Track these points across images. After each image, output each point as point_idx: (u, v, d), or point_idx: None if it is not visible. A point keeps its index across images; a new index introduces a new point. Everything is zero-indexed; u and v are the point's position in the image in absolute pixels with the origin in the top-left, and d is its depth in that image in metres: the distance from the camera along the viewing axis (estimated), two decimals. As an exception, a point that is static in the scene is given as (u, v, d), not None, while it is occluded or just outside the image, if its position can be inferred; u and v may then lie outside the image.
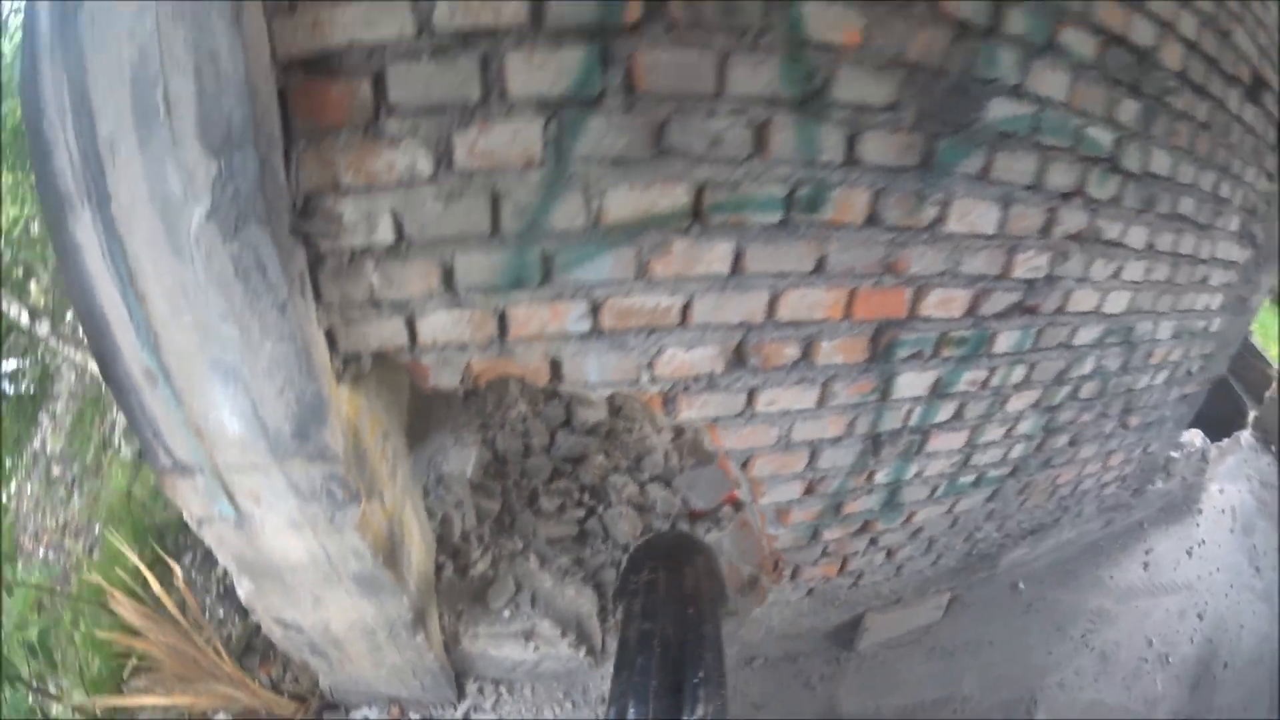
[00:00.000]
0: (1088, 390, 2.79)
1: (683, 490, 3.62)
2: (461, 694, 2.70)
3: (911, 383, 2.13)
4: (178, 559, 3.02)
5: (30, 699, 2.55)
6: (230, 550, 1.81)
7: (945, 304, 1.98)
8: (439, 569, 2.69)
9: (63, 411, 4.37)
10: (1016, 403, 2.50)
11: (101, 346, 1.39)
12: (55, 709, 2.56)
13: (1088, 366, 2.66)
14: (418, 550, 2.27)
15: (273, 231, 1.25)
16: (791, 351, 1.86)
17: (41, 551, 3.66)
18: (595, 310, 1.61)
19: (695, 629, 1.71)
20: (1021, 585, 3.96)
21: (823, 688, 3.23)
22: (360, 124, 1.32)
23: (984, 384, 2.31)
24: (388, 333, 1.54)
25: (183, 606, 2.46)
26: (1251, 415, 5.92)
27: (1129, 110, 2.05)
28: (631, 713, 1.51)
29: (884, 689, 3.32)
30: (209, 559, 3.10)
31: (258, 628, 2.69)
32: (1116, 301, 2.50)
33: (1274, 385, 5.83)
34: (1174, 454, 4.45)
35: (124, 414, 1.51)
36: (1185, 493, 4.86)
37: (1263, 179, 3.01)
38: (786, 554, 2.55)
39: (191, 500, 1.65)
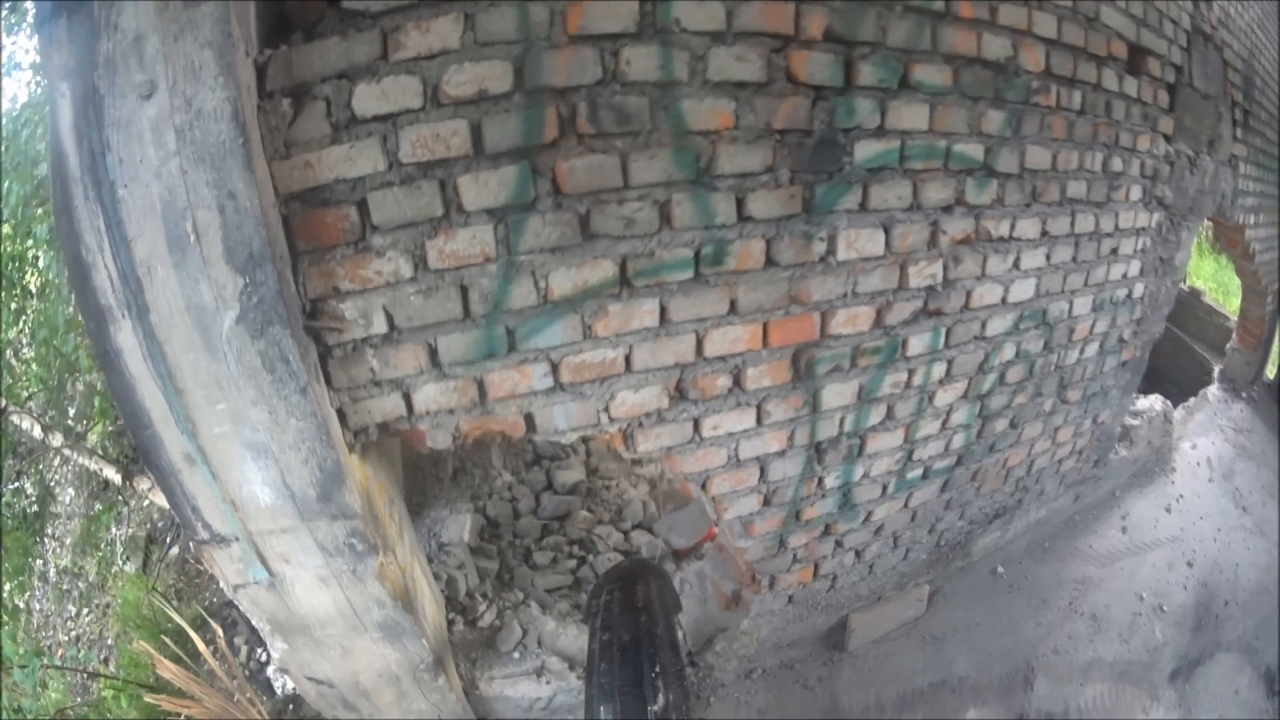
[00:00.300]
0: (1014, 375, 3.08)
1: (664, 533, 4.03)
2: (487, 741, 2.98)
3: (838, 393, 2.54)
4: (198, 653, 3.29)
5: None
6: (264, 612, 2.16)
7: (852, 321, 2.42)
8: (450, 624, 3.03)
9: (63, 531, 4.64)
10: (945, 396, 2.87)
11: (144, 437, 1.76)
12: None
13: (1009, 353, 2.97)
14: (430, 605, 2.62)
15: (292, 330, 1.67)
16: (724, 381, 2.29)
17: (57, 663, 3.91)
18: (555, 369, 2.06)
19: (648, 633, 2.04)
20: (1001, 569, 4.18)
21: (821, 689, 3.52)
22: (352, 241, 1.78)
23: (907, 384, 2.70)
24: (389, 406, 1.98)
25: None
26: (1216, 370, 6.26)
27: (995, 120, 2.48)
28: (603, 713, 1.84)
29: (880, 681, 3.57)
30: (231, 648, 3.40)
31: (287, 702, 3.02)
32: (1022, 290, 2.85)
33: (1234, 336, 6.16)
34: (1133, 421, 4.71)
35: (165, 495, 1.87)
36: (1154, 456, 5.06)
37: (1160, 142, 3.34)
38: (760, 564, 2.92)
39: (228, 568, 2.02)
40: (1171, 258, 3.78)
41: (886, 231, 2.35)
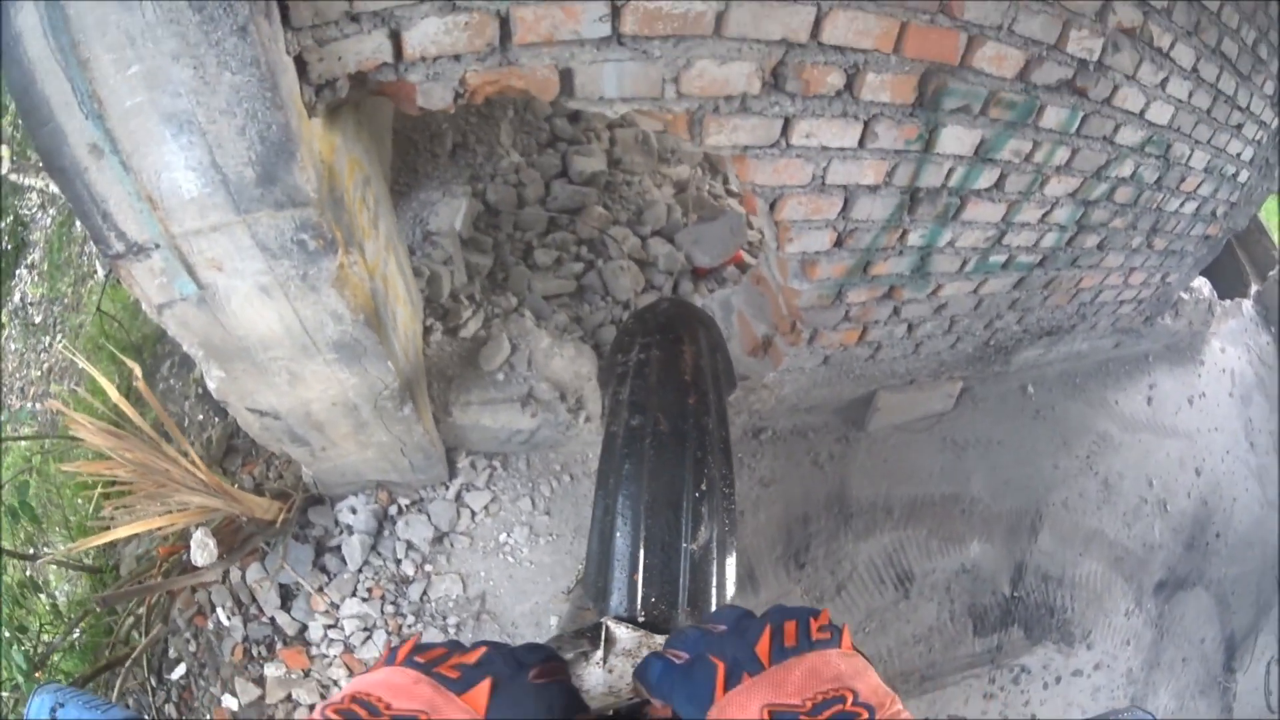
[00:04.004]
0: (1123, 195, 2.99)
1: (686, 246, 3.69)
2: (453, 471, 2.77)
3: (957, 138, 2.19)
4: (156, 369, 3.02)
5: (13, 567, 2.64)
6: (196, 335, 1.76)
7: (998, 61, 2.05)
8: (427, 332, 2.71)
9: (40, 259, 4.38)
10: (1055, 187, 2.67)
11: (44, 135, 1.32)
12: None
13: (1127, 169, 2.84)
14: (404, 311, 2.27)
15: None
16: (835, 80, 1.85)
17: (30, 405, 3.75)
18: (616, 12, 1.55)
19: (696, 423, 1.47)
20: (1031, 389, 4.31)
21: (832, 467, 3.45)
22: None
23: (1027, 157, 2.43)
24: (368, 49, 1.47)
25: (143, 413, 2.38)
26: (1254, 289, 6.56)
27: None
28: (619, 540, 1.31)
29: (895, 475, 3.58)
30: (186, 362, 3.10)
31: (239, 426, 2.68)
32: (1160, 113, 2.69)
33: (1277, 267, 6.44)
34: (1184, 295, 4.96)
35: (72, 205, 1.45)
36: (1190, 338, 5.41)
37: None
38: (808, 313, 2.63)
39: (149, 285, 1.59)
40: (1274, 164, 3.94)
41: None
